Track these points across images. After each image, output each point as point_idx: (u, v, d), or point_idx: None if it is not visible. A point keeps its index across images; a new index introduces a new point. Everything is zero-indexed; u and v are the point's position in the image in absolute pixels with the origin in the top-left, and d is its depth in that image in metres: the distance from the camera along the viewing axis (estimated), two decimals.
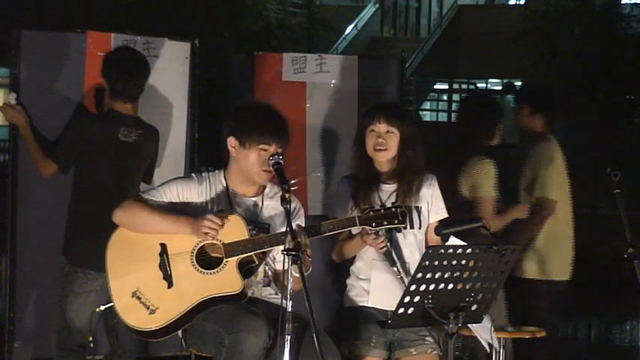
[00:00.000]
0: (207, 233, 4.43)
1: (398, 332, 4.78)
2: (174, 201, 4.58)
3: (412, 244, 4.86)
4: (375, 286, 4.82)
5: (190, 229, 4.46)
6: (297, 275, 4.20)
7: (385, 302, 4.77)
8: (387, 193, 4.84)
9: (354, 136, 4.94)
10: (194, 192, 4.61)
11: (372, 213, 4.55)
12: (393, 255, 4.72)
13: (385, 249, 4.68)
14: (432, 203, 4.91)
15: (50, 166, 5.66)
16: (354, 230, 4.76)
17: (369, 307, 4.84)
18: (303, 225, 4.61)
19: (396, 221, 4.55)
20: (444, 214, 4.94)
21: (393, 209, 4.55)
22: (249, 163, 4.57)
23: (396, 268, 4.71)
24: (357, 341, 4.79)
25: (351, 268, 4.92)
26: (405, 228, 4.77)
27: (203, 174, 4.69)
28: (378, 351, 4.80)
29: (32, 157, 5.72)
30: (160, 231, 4.50)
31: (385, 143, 4.82)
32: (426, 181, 4.91)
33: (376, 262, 4.81)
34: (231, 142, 4.61)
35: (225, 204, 4.60)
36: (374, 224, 4.55)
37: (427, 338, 4.81)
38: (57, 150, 5.67)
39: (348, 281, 4.94)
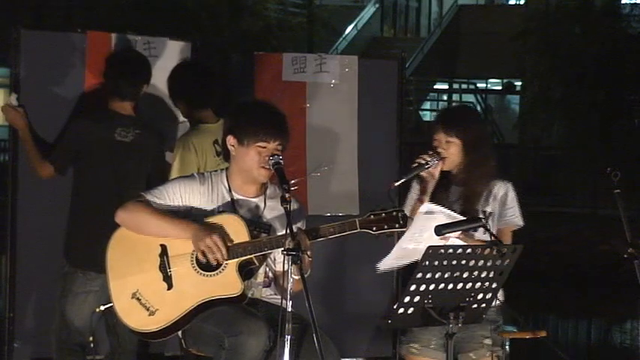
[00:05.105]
0: (203, 252, 4.41)
1: (457, 333, 4.73)
2: (176, 201, 4.56)
3: None
4: None
5: (190, 236, 4.44)
6: (298, 277, 4.18)
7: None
8: (456, 194, 4.83)
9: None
10: (196, 192, 4.59)
11: (372, 217, 4.51)
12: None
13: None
14: (501, 209, 4.88)
15: (47, 167, 5.66)
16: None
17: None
18: (304, 227, 4.61)
19: (397, 225, 4.50)
20: (516, 222, 4.90)
21: (394, 213, 4.51)
22: (247, 160, 4.55)
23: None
24: (416, 344, 4.80)
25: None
26: (476, 230, 4.70)
27: (205, 174, 4.68)
28: (437, 353, 4.79)
29: (30, 160, 5.72)
30: (161, 234, 4.48)
31: (444, 153, 4.81)
32: (497, 186, 4.89)
33: None
34: (230, 140, 4.59)
35: (226, 204, 4.58)
36: (374, 228, 4.50)
37: (486, 340, 4.79)
38: (54, 151, 5.67)
39: None
